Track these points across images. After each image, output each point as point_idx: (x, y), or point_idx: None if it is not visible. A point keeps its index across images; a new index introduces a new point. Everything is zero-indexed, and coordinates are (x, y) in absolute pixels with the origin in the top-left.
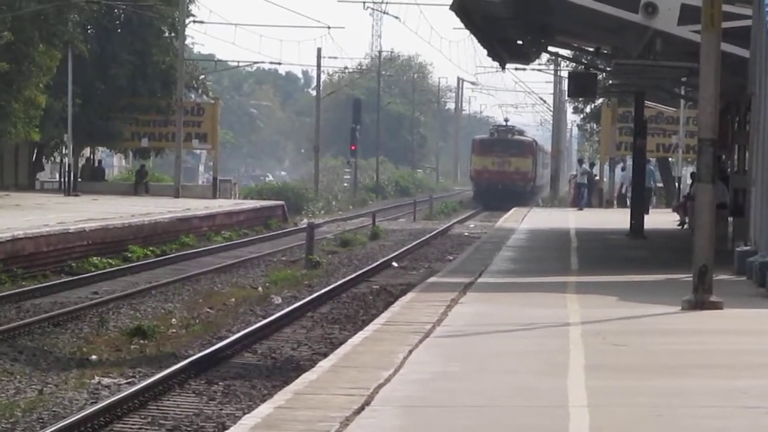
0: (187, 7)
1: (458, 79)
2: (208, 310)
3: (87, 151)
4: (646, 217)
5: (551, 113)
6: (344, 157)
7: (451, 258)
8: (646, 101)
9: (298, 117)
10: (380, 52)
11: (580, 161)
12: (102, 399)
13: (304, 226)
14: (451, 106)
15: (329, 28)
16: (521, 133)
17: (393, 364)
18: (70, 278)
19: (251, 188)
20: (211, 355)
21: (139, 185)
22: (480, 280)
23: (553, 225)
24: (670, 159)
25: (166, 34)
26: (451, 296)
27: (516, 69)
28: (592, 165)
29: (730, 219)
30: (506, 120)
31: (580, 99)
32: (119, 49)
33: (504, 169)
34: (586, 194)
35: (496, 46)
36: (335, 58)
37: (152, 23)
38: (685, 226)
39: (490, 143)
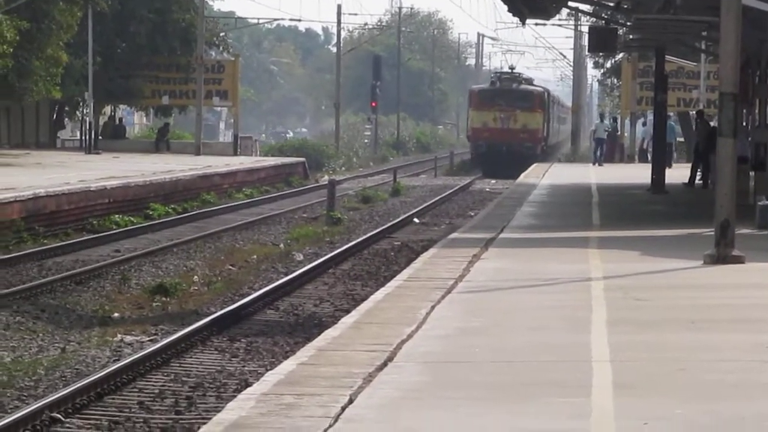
0: None
1: (478, 34)
2: (230, 267)
3: (108, 109)
4: (667, 172)
5: (572, 69)
6: (365, 114)
7: (472, 214)
8: (666, 56)
9: (318, 74)
10: (400, 8)
11: (602, 116)
12: (124, 357)
13: (325, 182)
14: (471, 62)
15: None
16: (530, 81)
17: (415, 320)
18: (92, 236)
19: (272, 145)
20: (233, 312)
21: (160, 143)
22: (501, 235)
23: (575, 180)
24: (691, 113)
25: None
26: (472, 252)
27: (536, 24)
28: (614, 120)
29: (752, 173)
30: (512, 67)
31: (601, 54)
32: (139, 6)
33: (508, 126)
34: (599, 151)
35: (517, 1)
36: (355, 14)
37: None
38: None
39: (491, 95)
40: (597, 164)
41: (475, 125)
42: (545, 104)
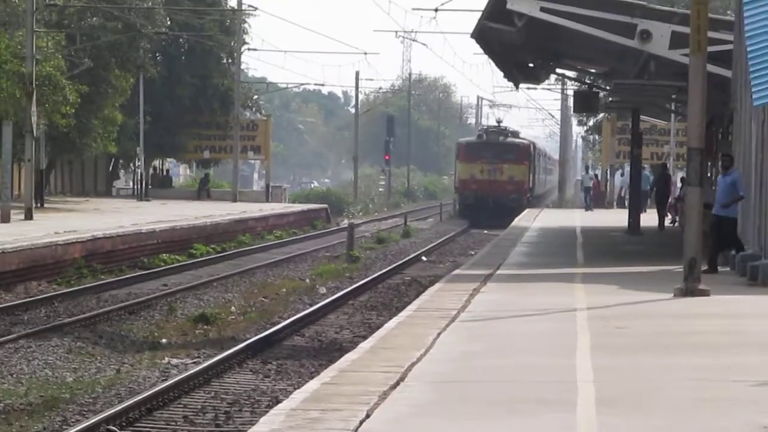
0: (242, 36)
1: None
2: (263, 299)
3: (156, 162)
4: (642, 216)
5: (559, 126)
6: (379, 166)
7: (473, 253)
8: (641, 115)
9: (339, 131)
10: (410, 74)
11: (587, 168)
12: (171, 377)
13: (345, 226)
14: (472, 120)
15: (366, 54)
16: (516, 134)
17: (424, 345)
18: (143, 272)
19: (299, 193)
20: (265, 338)
21: (202, 191)
22: (498, 272)
23: (562, 224)
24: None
25: (224, 60)
26: (473, 286)
27: (528, 88)
28: (596, 175)
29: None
30: (498, 121)
31: (584, 114)
32: (184, 73)
33: (495, 178)
34: (588, 198)
35: (511, 68)
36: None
37: (212, 51)
38: (676, 224)
39: (478, 147)
40: (587, 210)
41: (463, 177)
42: (531, 156)
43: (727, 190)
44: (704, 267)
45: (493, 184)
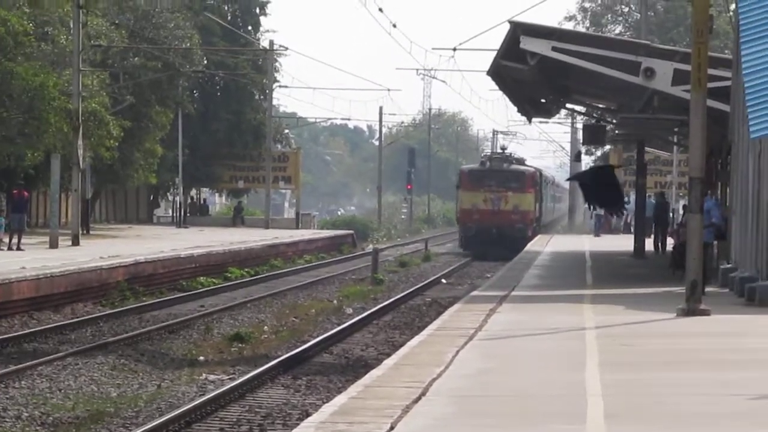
0: (274, 74)
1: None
2: (293, 319)
3: (194, 191)
4: (646, 241)
5: (569, 157)
6: (402, 195)
7: (489, 276)
8: (646, 147)
9: (364, 162)
10: (430, 109)
11: None
12: (209, 392)
13: (370, 250)
14: (488, 152)
15: (389, 90)
16: (521, 162)
17: (444, 362)
18: (182, 294)
19: (327, 220)
20: (296, 355)
21: (236, 218)
22: (513, 293)
23: (572, 248)
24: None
25: (257, 97)
26: (489, 306)
27: (540, 122)
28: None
29: (715, 242)
30: (503, 148)
31: (593, 145)
32: (219, 108)
33: (499, 208)
34: (598, 224)
35: (524, 103)
36: (394, 114)
37: (246, 88)
38: None
39: (480, 175)
40: (595, 235)
41: (465, 206)
42: (537, 184)
43: (714, 213)
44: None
45: (497, 214)
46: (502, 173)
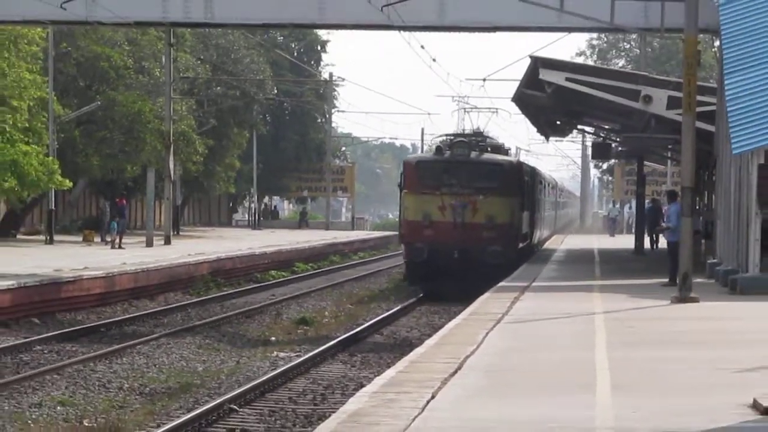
0: (333, 101)
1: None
2: (350, 305)
3: (266, 199)
4: (645, 240)
5: (580, 170)
6: None
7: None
8: (645, 161)
9: None
10: (463, 130)
11: (614, 203)
12: (279, 366)
13: None
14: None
15: (429, 114)
16: (499, 148)
17: (476, 342)
18: (256, 285)
19: (378, 223)
20: (352, 336)
21: (302, 222)
22: (534, 284)
23: (583, 246)
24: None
25: (319, 120)
26: (514, 295)
27: (556, 140)
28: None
29: (703, 241)
30: (478, 131)
31: (600, 160)
32: (287, 130)
33: (463, 220)
34: (612, 226)
35: (542, 125)
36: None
37: (309, 112)
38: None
39: (436, 169)
40: (611, 235)
41: (411, 217)
42: (523, 183)
43: (672, 218)
44: (667, 280)
45: (461, 228)
46: (471, 166)
